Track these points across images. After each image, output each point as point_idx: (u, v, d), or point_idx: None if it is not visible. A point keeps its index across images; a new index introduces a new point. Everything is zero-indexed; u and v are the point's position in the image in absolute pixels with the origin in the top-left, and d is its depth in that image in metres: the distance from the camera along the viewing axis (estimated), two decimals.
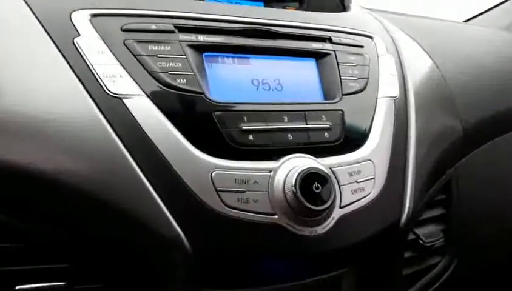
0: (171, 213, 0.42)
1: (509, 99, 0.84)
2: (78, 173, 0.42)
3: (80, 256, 0.44)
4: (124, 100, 0.44)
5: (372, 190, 0.50)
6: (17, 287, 0.42)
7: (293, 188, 0.44)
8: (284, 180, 0.45)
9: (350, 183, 0.49)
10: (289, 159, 0.47)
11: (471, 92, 0.78)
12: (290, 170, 0.45)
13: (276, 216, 0.45)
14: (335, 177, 0.48)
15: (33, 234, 0.43)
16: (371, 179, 0.51)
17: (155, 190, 0.42)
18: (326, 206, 0.44)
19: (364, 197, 0.50)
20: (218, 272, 0.46)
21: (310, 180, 0.44)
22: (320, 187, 0.44)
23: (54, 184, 0.42)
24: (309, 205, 0.44)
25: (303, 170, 0.45)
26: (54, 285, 0.43)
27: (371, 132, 0.54)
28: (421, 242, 0.62)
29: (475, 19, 1.20)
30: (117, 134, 0.43)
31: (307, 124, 0.50)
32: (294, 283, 0.51)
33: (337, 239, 0.47)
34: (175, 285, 0.45)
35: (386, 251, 0.53)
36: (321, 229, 0.46)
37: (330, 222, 0.47)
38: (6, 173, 0.42)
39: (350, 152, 0.51)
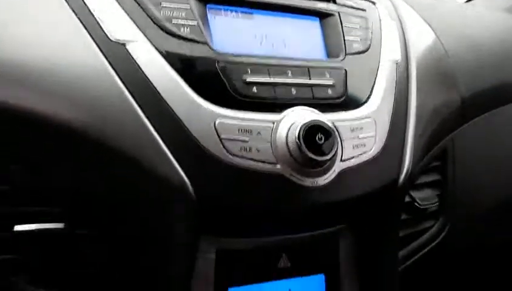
0: (176, 158, 0.42)
1: (506, 76, 0.85)
2: (82, 118, 0.42)
3: (83, 201, 0.44)
4: (127, 46, 0.44)
5: (373, 147, 0.51)
6: (16, 228, 0.42)
7: (297, 138, 0.44)
8: (288, 131, 0.45)
9: (352, 138, 0.49)
10: (292, 111, 0.47)
11: (470, 66, 0.79)
12: (293, 122, 0.46)
13: (278, 166, 0.45)
14: (337, 132, 0.48)
15: (35, 179, 0.43)
16: (372, 136, 0.51)
17: (160, 135, 0.42)
18: (328, 157, 0.45)
19: (365, 153, 0.50)
20: (218, 219, 0.47)
21: (313, 131, 0.45)
22: (323, 139, 0.45)
23: (58, 130, 0.42)
24: (312, 156, 0.44)
25: (307, 122, 0.45)
26: (53, 226, 0.43)
27: (373, 92, 0.54)
28: (416, 204, 0.63)
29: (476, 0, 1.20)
30: (121, 80, 0.43)
31: (310, 80, 0.50)
32: (293, 236, 0.52)
33: (337, 191, 0.47)
34: (175, 232, 0.45)
35: (384, 209, 0.54)
36: (323, 180, 0.46)
37: (331, 175, 0.47)
38: (11, 118, 0.42)
39: (352, 109, 0.52)
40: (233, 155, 0.44)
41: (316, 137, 0.44)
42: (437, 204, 0.66)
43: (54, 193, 0.44)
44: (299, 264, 0.54)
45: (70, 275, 0.45)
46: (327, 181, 0.47)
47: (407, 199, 0.64)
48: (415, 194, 0.65)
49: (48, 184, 0.44)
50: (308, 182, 0.46)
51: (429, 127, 0.61)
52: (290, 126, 0.45)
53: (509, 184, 0.76)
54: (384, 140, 0.52)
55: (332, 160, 0.46)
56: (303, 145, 0.44)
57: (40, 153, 0.44)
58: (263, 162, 0.45)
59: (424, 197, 0.65)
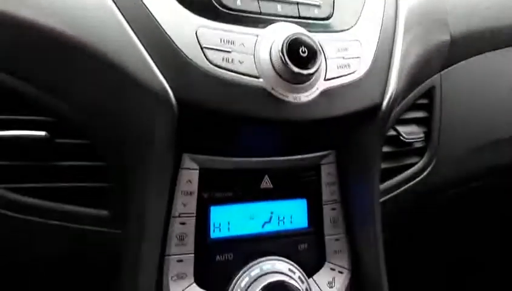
0: (157, 65, 0.42)
1: (500, 20, 0.83)
2: (67, 24, 0.43)
3: (67, 110, 0.44)
4: None
5: (358, 69, 0.51)
6: None
7: (280, 51, 0.44)
8: (272, 44, 0.45)
9: (337, 58, 0.49)
10: (277, 25, 0.46)
11: (464, 8, 0.78)
12: (278, 35, 0.45)
13: (261, 80, 0.45)
14: (322, 50, 0.47)
15: (23, 86, 0.43)
16: (357, 58, 0.51)
17: (141, 43, 0.42)
18: (311, 71, 0.44)
19: (350, 74, 0.50)
20: (199, 134, 0.47)
21: (297, 44, 0.44)
22: (307, 52, 0.44)
23: (45, 36, 0.42)
24: (295, 69, 0.44)
25: (291, 35, 0.44)
26: (34, 134, 0.43)
27: (361, 15, 0.53)
28: (401, 138, 0.64)
29: None
30: None
31: None
32: (276, 158, 0.53)
33: (320, 109, 0.47)
34: (156, 148, 0.45)
35: (367, 134, 0.54)
36: (305, 97, 0.46)
37: (314, 92, 0.47)
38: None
39: (339, 32, 0.51)
40: (215, 65, 0.43)
41: (299, 50, 0.44)
42: (422, 139, 0.67)
43: (39, 100, 0.44)
44: (282, 186, 0.54)
45: (53, 186, 0.45)
46: (309, 98, 0.47)
47: (392, 132, 0.64)
48: (401, 128, 0.64)
49: (34, 92, 0.44)
50: (291, 97, 0.46)
51: (415, 59, 0.61)
52: (274, 39, 0.45)
53: (495, 126, 0.76)
54: (369, 63, 0.52)
55: (316, 77, 0.46)
56: (286, 58, 0.44)
57: (29, 59, 0.44)
58: (245, 75, 0.44)
59: (409, 132, 0.65)
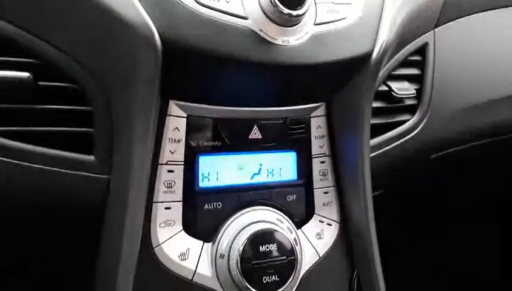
0: (143, 5, 0.42)
1: None
2: None
3: (48, 50, 0.43)
4: None
5: (348, 15, 0.50)
6: None
7: None
8: None
9: (327, 3, 0.48)
10: None
11: None
12: None
13: (248, 20, 0.44)
14: None
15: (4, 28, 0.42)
16: (348, 4, 0.50)
17: None
18: (300, 12, 0.43)
19: (340, 20, 0.49)
20: (185, 78, 0.46)
21: None
22: None
23: None
24: (283, 8, 0.43)
25: None
26: (18, 75, 0.42)
27: None
28: (393, 93, 0.63)
29: None
30: None
31: None
32: (265, 109, 0.52)
33: (309, 54, 0.47)
34: (141, 90, 0.44)
35: (358, 83, 0.53)
36: (294, 40, 0.46)
37: (303, 36, 0.46)
38: None
39: None
40: (201, 4, 0.42)
41: None
42: (414, 95, 0.66)
43: (22, 41, 0.43)
44: (271, 138, 0.54)
45: (38, 130, 0.44)
46: (299, 42, 0.46)
47: (384, 88, 0.64)
48: (393, 84, 0.64)
49: (18, 33, 0.43)
50: (279, 40, 0.45)
51: (407, 12, 0.60)
52: None
53: (488, 86, 0.76)
54: (361, 10, 0.51)
55: (305, 21, 0.45)
56: None
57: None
58: (232, 15, 0.43)
59: (401, 88, 0.64)
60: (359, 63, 0.52)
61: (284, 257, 0.50)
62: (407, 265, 1.15)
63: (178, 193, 0.50)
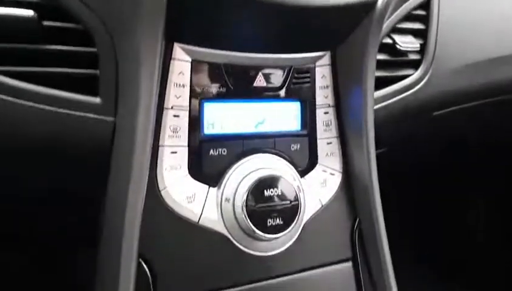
0: None
1: None
2: None
3: None
4: None
5: None
6: None
7: None
8: None
9: None
10: None
11: None
12: None
13: None
14: None
15: None
16: None
17: None
18: None
19: None
20: (189, 20, 0.46)
21: None
22: None
23: None
24: None
25: None
26: (21, 13, 0.42)
27: None
28: (397, 46, 0.63)
29: None
30: None
31: None
32: (270, 55, 0.52)
33: None
34: (146, 30, 0.44)
35: (362, 34, 0.53)
36: None
37: None
38: None
39: None
40: None
41: None
42: (418, 50, 0.66)
43: None
44: (276, 86, 0.54)
45: (43, 71, 0.44)
46: None
47: (388, 40, 0.63)
48: (397, 37, 0.64)
49: None
50: None
51: None
52: None
53: (492, 44, 0.76)
54: None
55: None
56: None
57: None
58: None
59: (405, 41, 0.64)
60: (365, 9, 0.51)
61: (288, 202, 0.51)
62: (408, 222, 1.17)
63: (184, 138, 0.50)
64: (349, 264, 0.58)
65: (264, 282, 0.52)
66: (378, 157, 0.61)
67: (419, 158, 1.03)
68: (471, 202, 1.32)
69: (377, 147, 0.61)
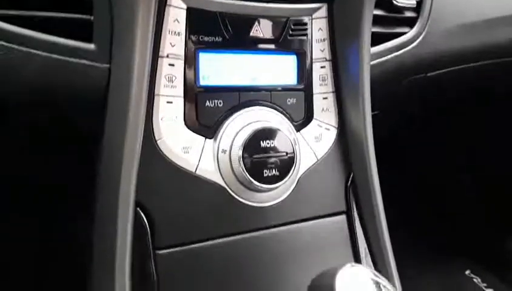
0: None
1: None
2: None
3: None
4: None
5: None
6: None
7: None
8: None
9: None
10: None
11: None
12: None
13: None
14: None
15: None
16: None
17: None
18: None
19: None
20: None
21: None
22: None
23: None
24: None
25: None
26: None
27: None
28: (393, 2, 0.62)
29: None
30: None
31: None
32: (268, 4, 0.51)
33: None
34: None
35: None
36: None
37: None
38: None
39: None
40: None
41: None
42: (414, 7, 0.66)
43: None
44: (272, 37, 0.54)
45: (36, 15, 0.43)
46: None
47: None
48: None
49: None
50: None
51: None
52: None
53: (488, 5, 0.75)
54: None
55: None
56: None
57: None
58: None
59: None
60: None
61: (284, 154, 0.51)
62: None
63: (179, 89, 0.50)
64: (343, 217, 0.59)
65: (260, 232, 0.53)
66: (372, 120, 0.62)
67: (412, 123, 1.04)
68: (461, 170, 1.35)
69: (372, 109, 0.61)
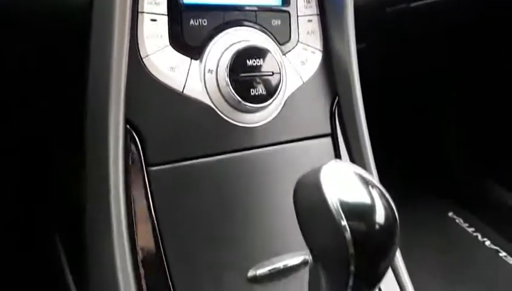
0: None
1: None
2: None
3: None
4: None
5: None
6: None
7: None
8: None
9: None
10: None
11: None
12: None
13: None
14: None
15: None
16: None
17: None
18: None
19: None
20: None
21: None
22: None
23: None
24: None
25: None
26: None
27: None
28: None
29: None
30: None
31: None
32: None
33: None
34: None
35: None
36: None
37: None
38: None
39: None
40: None
41: None
42: None
43: None
44: None
45: None
46: None
47: None
48: None
49: None
50: None
51: None
52: None
53: None
54: None
55: None
56: None
57: None
58: None
59: None
60: None
61: (271, 72, 0.52)
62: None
63: (163, 6, 0.49)
64: (328, 139, 0.61)
65: (247, 152, 0.54)
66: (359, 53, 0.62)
67: (398, 59, 1.05)
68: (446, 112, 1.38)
69: (358, 41, 0.62)
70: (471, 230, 1.55)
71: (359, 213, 0.35)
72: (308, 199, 0.38)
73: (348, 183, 0.37)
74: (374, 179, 0.38)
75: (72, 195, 0.60)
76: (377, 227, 0.35)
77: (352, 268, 0.35)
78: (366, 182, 0.37)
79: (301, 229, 0.39)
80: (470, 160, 1.66)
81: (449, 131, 1.59)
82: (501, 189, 1.52)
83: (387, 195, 0.36)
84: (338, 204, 0.35)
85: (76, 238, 0.55)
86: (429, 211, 1.62)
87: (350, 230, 0.34)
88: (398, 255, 0.58)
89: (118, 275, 0.46)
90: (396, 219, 0.36)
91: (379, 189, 0.36)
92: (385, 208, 0.35)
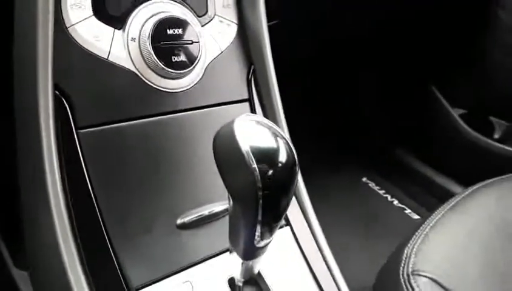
0: None
1: None
2: None
3: None
4: None
5: None
6: None
7: None
8: None
9: None
10: None
11: None
12: None
13: None
14: None
15: None
16: None
17: None
18: None
19: None
20: None
21: None
22: None
23: None
24: None
25: None
26: None
27: None
28: None
29: None
30: None
31: None
32: None
33: None
34: None
35: None
36: None
37: None
38: None
39: None
40: None
41: None
42: None
43: None
44: None
45: None
46: None
47: None
48: None
49: None
50: None
51: None
52: None
53: None
54: None
55: None
56: None
57: None
58: None
59: None
60: None
61: (190, 41, 0.57)
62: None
63: None
64: (246, 104, 0.68)
65: (171, 115, 0.59)
66: (274, 29, 0.69)
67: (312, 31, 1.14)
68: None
69: (271, 18, 0.69)
70: (381, 192, 1.74)
71: (266, 156, 0.42)
72: (224, 147, 0.44)
73: (257, 133, 0.43)
74: (281, 131, 0.44)
75: (4, 161, 0.61)
76: (280, 166, 0.42)
77: (261, 202, 0.41)
78: (273, 132, 0.44)
79: (220, 174, 0.45)
80: (381, 130, 1.83)
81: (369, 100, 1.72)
82: (411, 157, 1.70)
83: (289, 142, 0.43)
84: (249, 150, 0.41)
85: (10, 205, 0.56)
86: (344, 176, 1.78)
87: (259, 170, 0.41)
88: (306, 199, 0.68)
89: (57, 234, 0.49)
90: (295, 162, 0.43)
91: (283, 137, 0.44)
92: (287, 152, 0.43)
